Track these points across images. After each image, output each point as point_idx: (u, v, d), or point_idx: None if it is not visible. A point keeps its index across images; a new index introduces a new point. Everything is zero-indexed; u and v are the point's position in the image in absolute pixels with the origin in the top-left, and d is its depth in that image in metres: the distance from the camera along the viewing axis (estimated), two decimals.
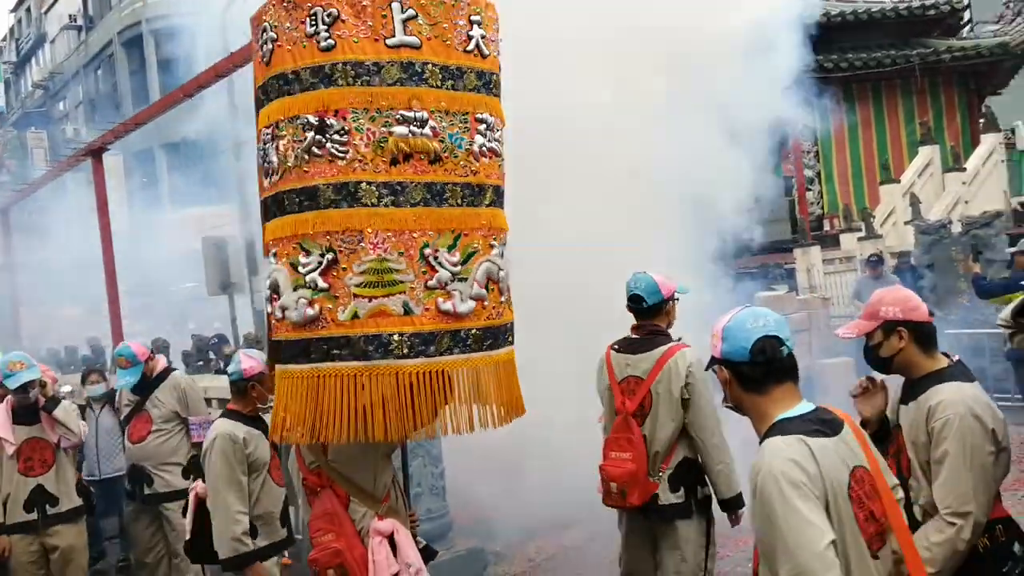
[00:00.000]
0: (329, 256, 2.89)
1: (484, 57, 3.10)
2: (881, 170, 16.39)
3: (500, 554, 6.87)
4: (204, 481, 3.97)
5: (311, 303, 2.90)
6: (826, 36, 16.20)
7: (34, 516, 5.21)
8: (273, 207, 3.05)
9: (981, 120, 17.11)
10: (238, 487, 3.97)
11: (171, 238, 17.56)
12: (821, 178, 17.82)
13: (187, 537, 3.78)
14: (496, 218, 3.16)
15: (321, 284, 2.90)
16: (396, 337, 2.90)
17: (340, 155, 2.89)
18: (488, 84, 3.13)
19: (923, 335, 3.10)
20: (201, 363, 9.93)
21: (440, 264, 2.98)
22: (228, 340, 9.43)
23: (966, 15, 19.35)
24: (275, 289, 3.02)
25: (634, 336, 4.30)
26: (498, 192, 3.19)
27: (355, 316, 2.90)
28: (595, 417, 7.44)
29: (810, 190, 17.45)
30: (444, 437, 6.07)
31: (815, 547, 2.07)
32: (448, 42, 3.00)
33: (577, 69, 8.87)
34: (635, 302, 4.21)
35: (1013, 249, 8.43)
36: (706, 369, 2.63)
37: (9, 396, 5.26)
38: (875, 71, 16.89)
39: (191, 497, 3.65)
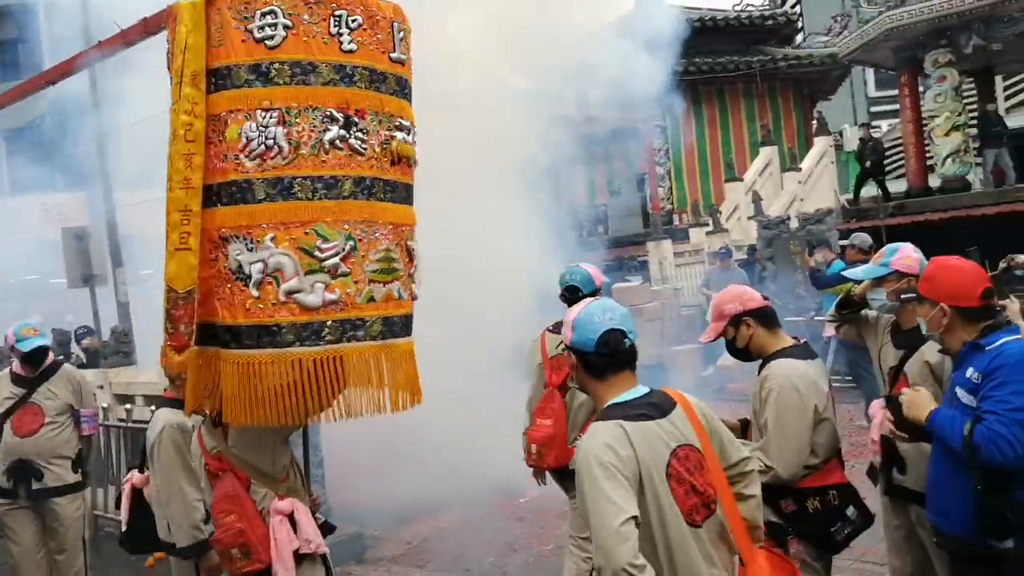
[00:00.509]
0: (350, 244, 3.10)
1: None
2: (726, 168, 17.40)
3: (378, 538, 7.07)
4: (145, 471, 3.93)
5: (329, 287, 3.07)
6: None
7: None
8: (267, 189, 3.06)
9: (814, 123, 18.41)
10: (191, 474, 3.99)
11: (10, 226, 16.67)
12: (671, 175, 18.72)
13: (123, 528, 3.78)
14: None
15: (344, 269, 3.09)
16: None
17: (361, 152, 3.14)
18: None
19: (765, 318, 3.60)
20: (62, 356, 9.59)
21: (414, 255, 3.36)
22: (95, 332, 9.16)
23: (800, 26, 20.79)
24: (275, 271, 3.05)
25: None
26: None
27: (371, 300, 3.16)
28: (465, 406, 7.80)
29: (661, 187, 18.31)
30: (321, 425, 6.32)
31: (613, 523, 2.29)
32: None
33: (444, 71, 9.10)
34: (572, 292, 4.57)
35: (845, 242, 9.22)
36: (561, 353, 2.96)
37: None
38: (720, 75, 17.89)
39: (126, 488, 3.66)
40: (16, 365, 5.46)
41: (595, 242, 17.71)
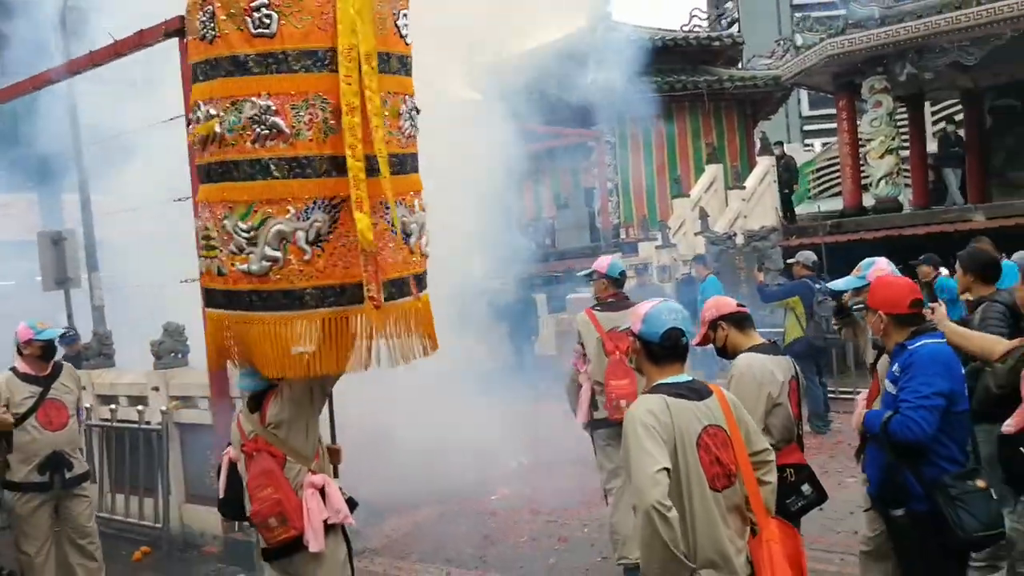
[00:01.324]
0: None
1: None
2: (673, 184, 18.06)
3: (358, 532, 7.39)
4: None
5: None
6: None
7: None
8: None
9: (758, 143, 19.23)
10: None
11: None
12: (619, 190, 19.31)
13: (220, 496, 4.10)
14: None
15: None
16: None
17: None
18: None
19: (737, 321, 4.27)
20: None
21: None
22: (79, 336, 9.31)
23: (742, 48, 21.65)
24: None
25: (610, 300, 5.82)
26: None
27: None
28: (434, 410, 8.18)
29: (610, 201, 18.90)
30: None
31: (649, 470, 2.88)
32: None
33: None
34: (622, 276, 5.88)
35: (792, 260, 9.86)
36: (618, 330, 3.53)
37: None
38: (668, 94, 18.55)
39: (224, 460, 4.00)
40: (21, 365, 5.65)
41: (544, 254, 18.24)
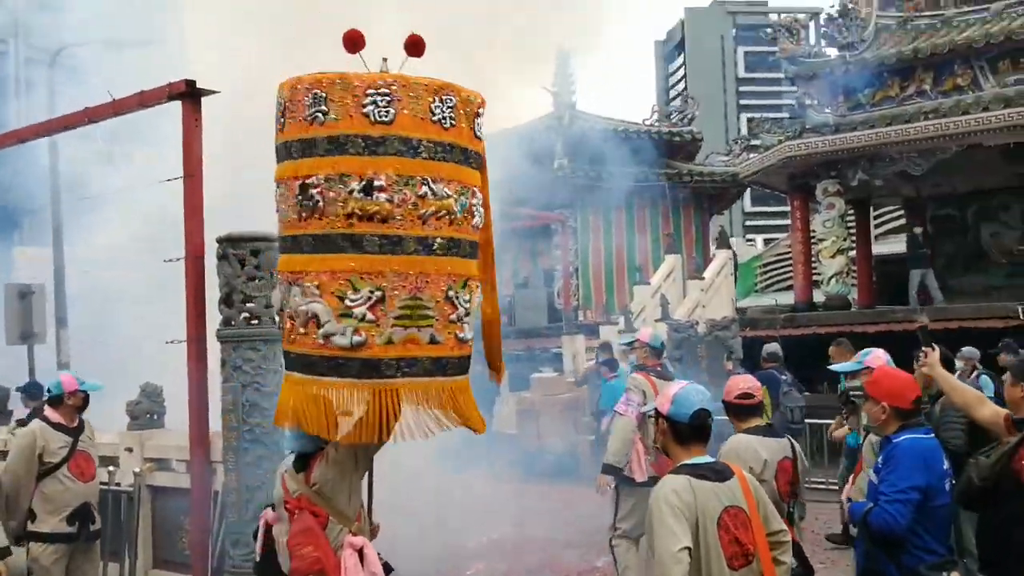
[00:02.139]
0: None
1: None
2: (633, 272, 18.50)
3: None
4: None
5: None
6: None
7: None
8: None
9: (716, 239, 19.86)
10: None
11: None
12: (578, 274, 19.68)
13: (256, 559, 4.10)
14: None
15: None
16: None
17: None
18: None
19: (734, 411, 4.62)
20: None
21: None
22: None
23: (702, 145, 22.49)
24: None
25: (658, 368, 6.66)
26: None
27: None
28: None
29: (571, 283, 19.25)
30: None
31: (672, 548, 3.05)
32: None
33: None
34: (662, 347, 6.68)
35: (765, 354, 10.07)
36: (648, 417, 3.70)
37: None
38: (631, 183, 19.13)
39: (261, 523, 4.04)
40: (53, 414, 5.78)
41: (503, 331, 18.38)
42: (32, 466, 5.68)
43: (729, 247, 18.59)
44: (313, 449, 3.90)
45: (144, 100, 7.33)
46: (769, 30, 19.47)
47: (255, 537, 4.15)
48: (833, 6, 17.83)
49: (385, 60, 3.74)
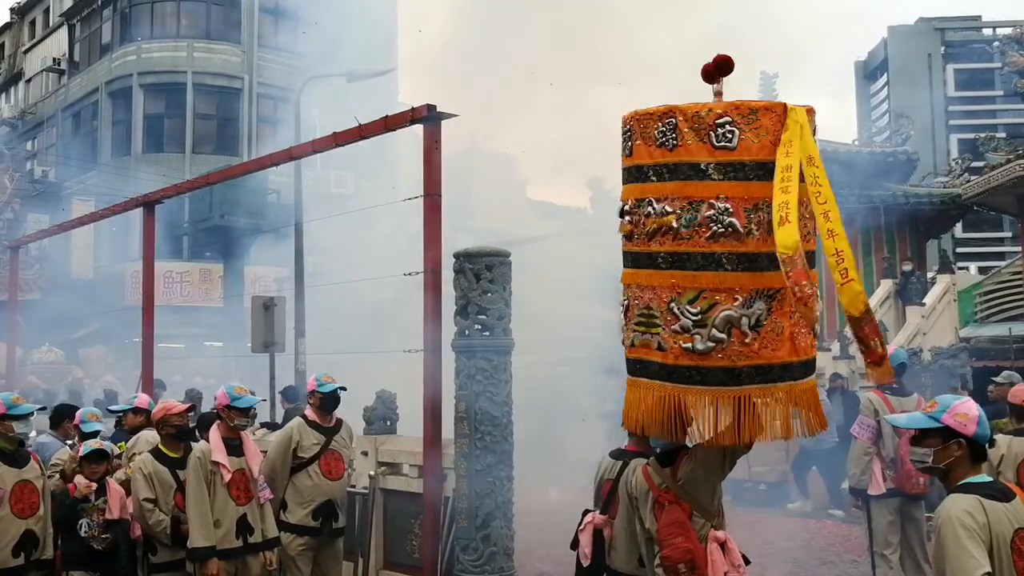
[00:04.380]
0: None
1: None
2: None
3: None
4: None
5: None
6: None
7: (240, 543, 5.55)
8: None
9: (937, 263, 18.72)
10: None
11: None
12: None
13: (585, 564, 4.33)
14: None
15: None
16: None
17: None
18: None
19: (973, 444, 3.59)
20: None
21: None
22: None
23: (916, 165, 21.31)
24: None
25: (895, 385, 6.89)
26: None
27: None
28: None
29: None
30: (516, 504, 6.71)
31: (973, 573, 2.92)
32: None
33: None
34: (902, 367, 7.08)
35: (997, 380, 9.36)
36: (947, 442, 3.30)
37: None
38: (843, 205, 18.36)
39: (588, 528, 4.27)
40: (310, 413, 6.21)
41: None
42: (287, 459, 6.11)
43: (952, 271, 17.47)
44: (677, 446, 4.07)
45: (389, 124, 7.79)
46: (996, 43, 18.25)
47: (574, 545, 4.28)
48: None
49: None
